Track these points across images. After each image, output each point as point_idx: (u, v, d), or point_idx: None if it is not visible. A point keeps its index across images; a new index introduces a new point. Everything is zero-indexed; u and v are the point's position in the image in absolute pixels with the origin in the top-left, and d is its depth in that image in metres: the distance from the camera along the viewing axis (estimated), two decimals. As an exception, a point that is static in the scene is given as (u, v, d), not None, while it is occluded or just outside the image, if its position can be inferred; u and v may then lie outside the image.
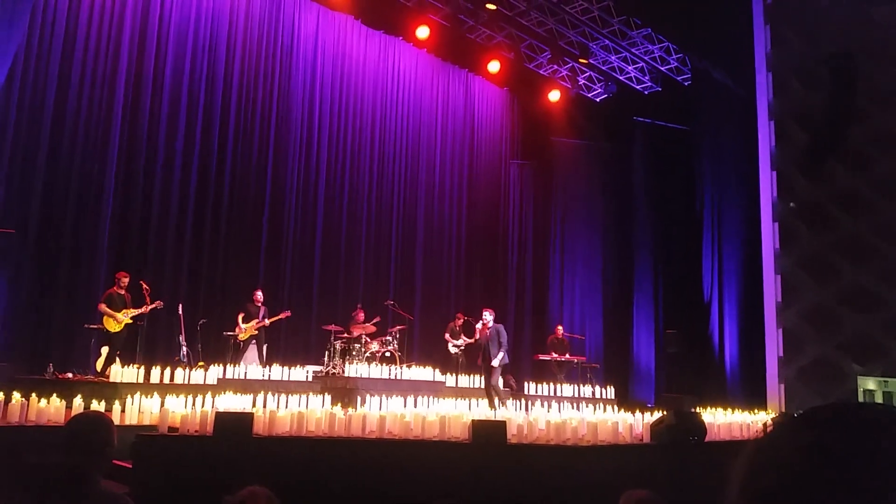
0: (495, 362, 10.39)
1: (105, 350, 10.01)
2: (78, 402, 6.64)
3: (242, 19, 13.90)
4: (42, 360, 10.27)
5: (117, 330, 9.96)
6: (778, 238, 13.33)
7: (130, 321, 10.04)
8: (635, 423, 7.37)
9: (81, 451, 2.81)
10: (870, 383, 11.90)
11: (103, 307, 9.91)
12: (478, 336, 10.93)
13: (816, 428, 0.83)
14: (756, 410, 10.78)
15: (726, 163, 15.93)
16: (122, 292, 10.07)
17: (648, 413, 8.62)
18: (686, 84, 17.63)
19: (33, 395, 6.41)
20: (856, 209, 12.94)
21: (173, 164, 12.65)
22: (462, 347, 13.90)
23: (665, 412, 7.60)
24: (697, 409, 9.32)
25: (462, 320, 14.11)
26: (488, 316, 10.80)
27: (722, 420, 8.33)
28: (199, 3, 13.26)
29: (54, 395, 6.57)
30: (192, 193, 12.86)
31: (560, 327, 15.46)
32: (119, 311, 9.92)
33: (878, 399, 11.57)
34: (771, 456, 0.84)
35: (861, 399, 11.56)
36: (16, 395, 6.27)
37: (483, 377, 11.10)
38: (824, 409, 0.85)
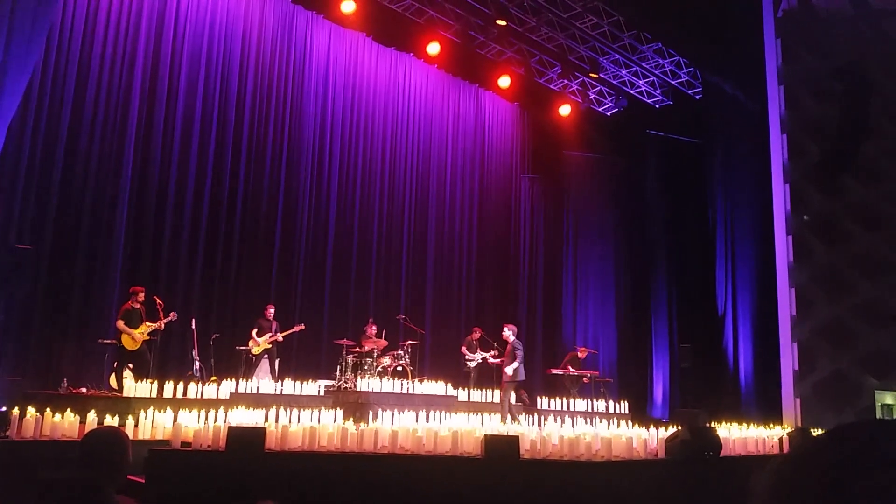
0: (508, 371, 10.89)
1: (123, 366, 10.03)
2: (92, 417, 6.66)
3: (255, 37, 14.04)
4: (56, 375, 10.32)
5: (134, 348, 9.93)
6: (792, 251, 13.25)
7: (148, 338, 10.05)
8: (650, 438, 7.30)
9: (96, 467, 2.83)
10: (887, 398, 11.77)
11: (121, 324, 9.89)
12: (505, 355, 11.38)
13: (847, 444, 0.83)
14: (771, 425, 10.67)
15: (739, 176, 15.88)
16: (138, 307, 10.08)
17: (663, 428, 8.55)
18: (697, 98, 17.62)
19: (47, 409, 6.43)
20: (870, 222, 12.86)
21: (186, 181, 12.75)
22: (479, 362, 13.86)
23: (680, 427, 7.54)
24: (712, 424, 9.23)
25: (479, 335, 14.06)
26: (508, 332, 11.26)
27: (737, 435, 8.24)
28: (212, 22, 13.42)
29: (68, 409, 6.59)
30: (205, 209, 12.95)
31: (585, 349, 15.35)
32: (137, 328, 9.92)
33: (896, 414, 11.44)
34: (801, 472, 0.84)
35: (878, 413, 11.44)
36: (30, 410, 6.30)
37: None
38: (854, 426, 0.85)
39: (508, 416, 10.73)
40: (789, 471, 0.85)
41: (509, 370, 10.95)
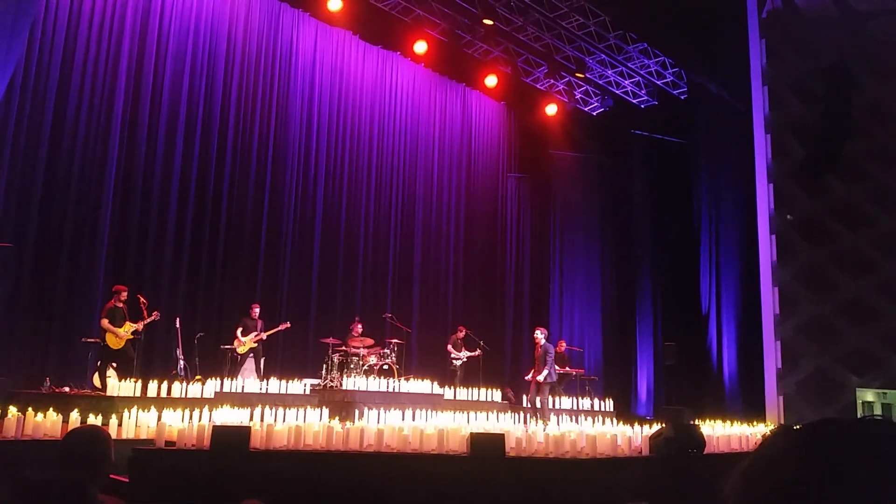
0: (539, 378, 11.29)
1: (106, 365, 9.94)
2: (75, 416, 6.61)
3: (241, 34, 13.96)
4: (39, 374, 10.22)
5: (118, 347, 9.86)
6: (775, 250, 13.36)
7: (132, 336, 9.98)
8: (634, 435, 7.34)
9: (78, 466, 2.81)
10: (868, 395, 11.89)
11: (106, 323, 9.82)
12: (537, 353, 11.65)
13: (814, 441, 0.83)
14: (755, 423, 10.75)
15: (723, 175, 15.99)
16: (121, 306, 10.01)
17: (647, 426, 8.60)
18: (682, 98, 17.72)
19: (30, 409, 6.36)
20: (853, 222, 12.98)
21: (171, 179, 12.66)
22: (465, 360, 13.89)
23: (664, 425, 7.59)
24: (696, 422, 9.29)
25: (464, 333, 14.11)
26: (539, 335, 11.61)
27: (721, 432, 8.31)
28: (197, 19, 13.32)
29: (51, 409, 6.53)
30: (191, 207, 12.86)
31: (563, 342, 15.43)
32: (121, 327, 9.85)
33: (877, 411, 11.56)
34: (768, 468, 0.84)
35: (860, 411, 11.56)
36: (12, 410, 6.23)
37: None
38: (821, 423, 0.86)
39: (539, 414, 11.11)
40: (758, 469, 0.86)
41: (540, 377, 11.27)
